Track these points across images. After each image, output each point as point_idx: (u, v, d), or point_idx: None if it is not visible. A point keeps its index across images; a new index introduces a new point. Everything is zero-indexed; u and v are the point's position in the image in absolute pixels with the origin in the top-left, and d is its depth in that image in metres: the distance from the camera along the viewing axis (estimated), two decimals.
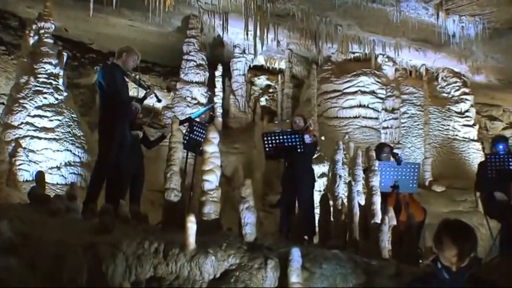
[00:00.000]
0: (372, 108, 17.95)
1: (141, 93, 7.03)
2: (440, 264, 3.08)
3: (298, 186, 7.47)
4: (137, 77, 6.76)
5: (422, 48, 17.74)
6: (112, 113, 6.38)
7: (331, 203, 6.15)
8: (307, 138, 7.45)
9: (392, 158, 7.52)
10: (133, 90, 7.52)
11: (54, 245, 4.38)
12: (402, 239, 5.16)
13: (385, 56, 18.67)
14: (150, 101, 7.87)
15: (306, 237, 6.63)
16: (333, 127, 17.87)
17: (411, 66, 19.21)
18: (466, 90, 18.81)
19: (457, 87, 18.86)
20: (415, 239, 5.31)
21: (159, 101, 7.22)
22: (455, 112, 18.52)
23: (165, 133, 7.95)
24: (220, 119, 18.87)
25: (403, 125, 17.72)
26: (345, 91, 18.31)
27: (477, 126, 18.69)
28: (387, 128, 17.35)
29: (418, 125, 18.01)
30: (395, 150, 8.06)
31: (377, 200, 5.60)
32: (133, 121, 7.38)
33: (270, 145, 7.28)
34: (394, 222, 5.61)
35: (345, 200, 5.97)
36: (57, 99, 13.21)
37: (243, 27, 17.06)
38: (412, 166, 6.96)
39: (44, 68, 13.33)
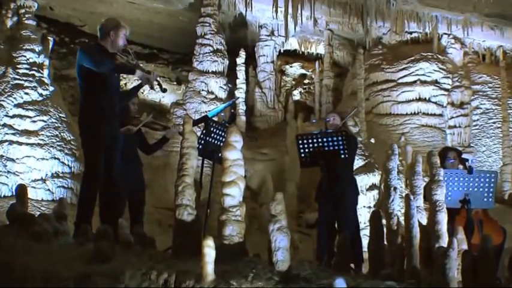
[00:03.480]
0: (435, 103, 17.88)
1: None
2: None
3: (341, 200, 7.48)
4: (130, 58, 6.66)
5: (499, 26, 17.59)
6: (96, 109, 6.34)
7: (383, 221, 6.11)
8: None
9: (461, 166, 7.47)
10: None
11: (40, 276, 4.42)
12: (475, 267, 5.12)
13: (450, 36, 18.57)
14: (156, 96, 7.86)
15: (352, 265, 6.62)
16: (386, 126, 17.83)
17: (484, 48, 19.08)
18: None
19: None
20: (492, 267, 5.25)
21: (163, 90, 7.06)
22: None
23: (167, 135, 7.98)
24: (243, 118, 18.95)
25: (474, 124, 17.60)
26: (400, 81, 18.26)
27: None
28: (454, 127, 17.25)
29: (494, 122, 17.87)
30: (464, 156, 7.99)
31: (442, 218, 5.56)
32: (127, 120, 7.42)
33: (306, 150, 7.28)
34: (465, 246, 5.56)
35: (402, 219, 5.93)
36: (41, 95, 13.37)
37: (271, 3, 17.11)
38: (487, 175, 6.89)
39: (25, 56, 13.49)
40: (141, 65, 6.84)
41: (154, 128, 8.43)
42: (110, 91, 6.40)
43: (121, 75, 6.82)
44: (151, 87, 6.60)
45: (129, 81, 16.26)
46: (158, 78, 6.77)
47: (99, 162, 6.30)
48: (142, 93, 18.51)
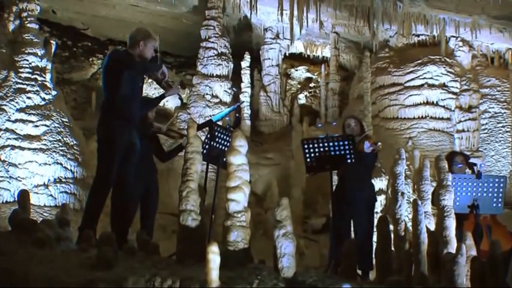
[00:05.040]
0: (443, 106, 17.84)
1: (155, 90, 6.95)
2: None
3: (353, 206, 7.46)
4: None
5: (508, 28, 17.56)
6: (118, 113, 6.36)
7: (391, 227, 6.11)
8: (367, 146, 7.44)
9: (468, 170, 7.45)
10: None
11: (42, 283, 4.43)
12: (484, 273, 5.10)
13: (458, 39, 18.54)
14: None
15: (359, 271, 6.60)
16: (393, 131, 17.80)
17: (493, 51, 19.04)
18: None
19: None
20: (501, 274, 5.24)
21: (182, 102, 7.15)
22: None
23: (184, 143, 7.97)
24: (248, 122, 18.95)
25: (483, 128, 17.56)
26: (407, 84, 18.23)
27: None
28: (462, 131, 17.21)
29: (503, 126, 17.82)
30: (473, 160, 7.98)
31: (450, 223, 5.55)
32: (145, 127, 7.42)
33: (312, 154, 7.26)
34: (474, 253, 5.55)
35: (409, 224, 5.92)
36: (44, 99, 13.37)
37: (277, 5, 17.11)
38: (496, 180, 6.86)
39: (28, 60, 13.50)
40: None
41: (171, 136, 8.45)
42: (132, 97, 6.43)
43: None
44: (180, 98, 6.69)
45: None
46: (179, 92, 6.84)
47: (112, 170, 6.27)
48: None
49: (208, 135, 7.35)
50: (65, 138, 13.18)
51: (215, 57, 17.92)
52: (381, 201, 13.07)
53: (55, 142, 13.01)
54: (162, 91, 6.87)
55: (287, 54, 21.54)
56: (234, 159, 4.90)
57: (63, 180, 12.81)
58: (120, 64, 6.31)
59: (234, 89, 18.54)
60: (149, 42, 6.55)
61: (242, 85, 19.45)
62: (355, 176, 7.53)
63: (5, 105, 12.92)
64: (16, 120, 12.89)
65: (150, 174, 7.65)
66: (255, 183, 16.41)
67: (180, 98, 6.77)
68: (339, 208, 7.54)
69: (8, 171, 12.36)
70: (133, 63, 6.36)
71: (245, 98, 19.23)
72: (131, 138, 6.41)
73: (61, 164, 12.87)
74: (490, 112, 18.00)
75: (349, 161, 7.18)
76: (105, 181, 6.32)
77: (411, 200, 7.33)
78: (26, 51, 13.54)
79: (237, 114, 17.56)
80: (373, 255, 6.99)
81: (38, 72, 13.52)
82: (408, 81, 18.24)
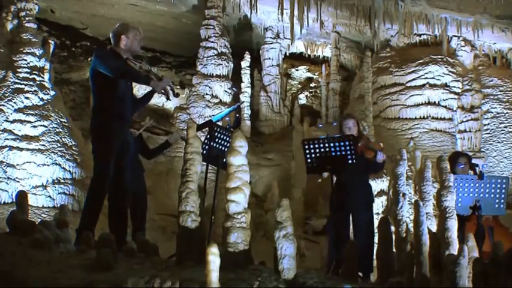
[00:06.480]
0: (444, 107, 17.84)
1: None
2: None
3: (354, 207, 7.46)
4: (144, 64, 6.65)
5: (510, 28, 17.55)
6: (108, 114, 6.36)
7: (392, 228, 6.11)
8: (381, 157, 7.49)
9: (471, 171, 7.45)
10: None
11: (41, 284, 4.43)
12: (486, 275, 5.10)
13: (460, 38, 18.53)
14: (159, 100, 7.77)
15: (360, 273, 6.60)
16: (394, 131, 17.79)
17: (495, 51, 19.04)
18: None
19: None
20: (503, 276, 5.24)
21: (175, 95, 7.03)
22: None
23: (170, 140, 8.01)
24: (248, 123, 18.94)
25: (485, 128, 17.54)
26: (408, 84, 18.23)
27: None
28: (464, 131, 17.19)
29: (505, 127, 17.80)
30: (475, 161, 7.98)
31: (452, 224, 5.54)
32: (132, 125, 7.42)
33: (313, 155, 7.26)
34: (476, 254, 5.54)
35: (411, 225, 5.92)
36: (42, 99, 13.35)
37: (277, 5, 17.11)
38: (498, 181, 6.86)
39: (26, 60, 13.48)
40: (154, 70, 6.82)
41: (156, 133, 8.44)
42: (122, 96, 6.40)
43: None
44: (168, 98, 6.58)
45: (141, 88, 16.24)
46: (171, 83, 6.76)
47: (109, 170, 6.27)
48: None
49: (208, 136, 7.34)
50: (63, 139, 13.14)
51: (215, 57, 17.90)
52: (382, 202, 13.07)
53: (53, 143, 12.98)
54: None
55: (287, 54, 21.54)
56: (234, 159, 4.90)
57: (62, 181, 12.77)
58: (105, 68, 6.24)
59: (234, 89, 18.52)
60: (132, 35, 6.54)
61: (242, 85, 19.45)
62: (359, 177, 7.55)
63: (3, 105, 12.87)
64: (14, 121, 12.85)
65: (137, 173, 7.66)
66: (255, 184, 16.41)
67: (172, 90, 6.48)
68: (342, 209, 7.54)
69: (6, 172, 12.33)
70: (117, 69, 6.27)
71: (245, 98, 19.25)
72: (126, 137, 6.42)
73: (59, 164, 12.83)
74: (492, 112, 17.97)
75: (350, 161, 7.18)
76: (103, 180, 6.31)
77: (413, 201, 7.32)
78: (24, 51, 13.52)
79: (237, 115, 17.54)
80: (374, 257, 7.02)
81: (36, 72, 13.49)
82: (410, 81, 18.23)
